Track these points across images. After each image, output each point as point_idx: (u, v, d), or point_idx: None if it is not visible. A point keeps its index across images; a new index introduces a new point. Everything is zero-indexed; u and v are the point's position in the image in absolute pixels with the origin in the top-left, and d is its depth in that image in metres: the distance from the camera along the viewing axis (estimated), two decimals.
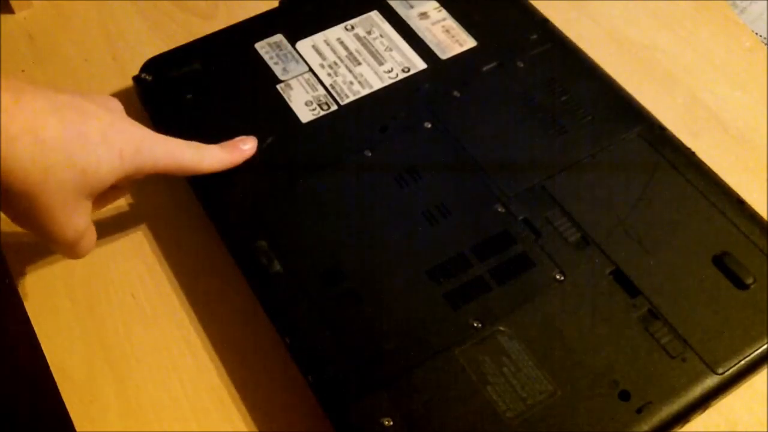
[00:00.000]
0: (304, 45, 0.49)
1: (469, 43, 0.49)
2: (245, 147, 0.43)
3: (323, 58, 0.48)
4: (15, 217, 0.35)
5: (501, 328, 0.37)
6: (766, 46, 0.55)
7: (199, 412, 0.39)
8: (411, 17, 0.51)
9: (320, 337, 0.37)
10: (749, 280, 0.39)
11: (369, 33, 0.50)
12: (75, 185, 0.34)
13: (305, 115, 0.46)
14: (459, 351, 0.37)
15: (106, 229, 0.44)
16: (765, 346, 0.37)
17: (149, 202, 0.46)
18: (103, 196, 0.37)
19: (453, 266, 0.39)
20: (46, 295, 0.42)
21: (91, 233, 0.38)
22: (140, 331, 0.41)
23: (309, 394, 0.37)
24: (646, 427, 0.35)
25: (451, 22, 0.51)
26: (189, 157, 0.39)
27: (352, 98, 0.46)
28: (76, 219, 0.35)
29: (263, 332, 0.40)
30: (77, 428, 0.38)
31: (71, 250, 0.37)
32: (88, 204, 0.36)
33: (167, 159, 0.38)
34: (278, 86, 0.47)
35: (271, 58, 0.48)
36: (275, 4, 0.52)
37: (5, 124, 0.31)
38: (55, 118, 0.33)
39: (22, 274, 0.43)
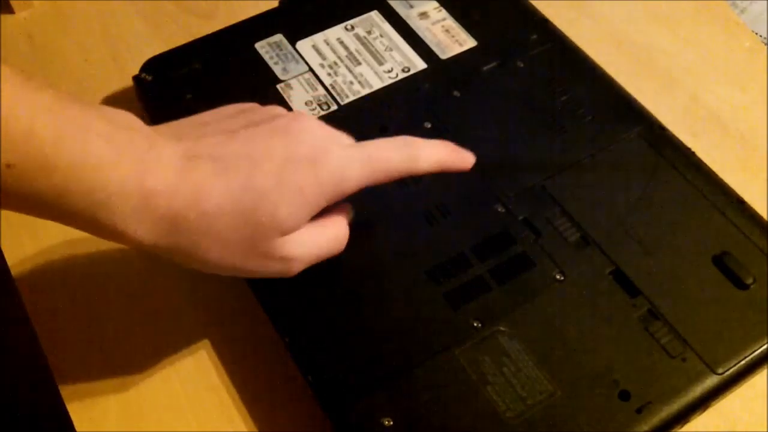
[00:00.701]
0: (304, 45, 0.49)
1: (469, 43, 0.49)
2: (468, 157, 0.38)
3: (323, 58, 0.48)
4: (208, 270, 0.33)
5: (501, 328, 0.37)
6: (766, 46, 0.55)
7: (199, 412, 0.39)
8: (411, 17, 0.51)
9: (320, 337, 0.37)
10: (749, 280, 0.39)
11: (369, 33, 0.50)
12: (254, 241, 0.32)
13: None
14: (459, 351, 0.37)
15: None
16: (765, 346, 0.37)
17: None
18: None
19: (453, 266, 0.39)
20: (46, 295, 0.42)
21: (323, 236, 0.35)
22: (140, 331, 0.41)
23: (309, 394, 0.37)
24: (646, 427, 0.35)
25: (451, 22, 0.51)
26: (398, 159, 0.35)
27: (352, 98, 0.46)
28: (274, 257, 0.33)
29: (263, 332, 0.40)
30: (77, 428, 0.38)
31: (323, 257, 0.36)
32: (283, 240, 0.33)
33: (371, 174, 0.34)
34: (278, 86, 0.47)
35: (271, 58, 0.48)
36: (275, 4, 0.52)
37: (168, 212, 0.30)
38: (221, 182, 0.31)
39: (22, 274, 0.43)
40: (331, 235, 0.36)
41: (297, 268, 0.35)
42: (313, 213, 0.34)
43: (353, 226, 0.41)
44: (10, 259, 0.43)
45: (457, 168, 0.38)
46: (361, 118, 0.45)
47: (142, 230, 0.30)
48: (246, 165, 0.32)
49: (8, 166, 0.26)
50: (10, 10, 0.55)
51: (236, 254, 0.32)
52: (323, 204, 0.34)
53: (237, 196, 0.31)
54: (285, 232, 0.33)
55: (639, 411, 0.35)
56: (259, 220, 0.32)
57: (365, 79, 0.47)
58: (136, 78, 0.47)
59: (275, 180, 0.32)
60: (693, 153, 0.44)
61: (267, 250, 0.33)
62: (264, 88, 0.47)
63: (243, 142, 0.32)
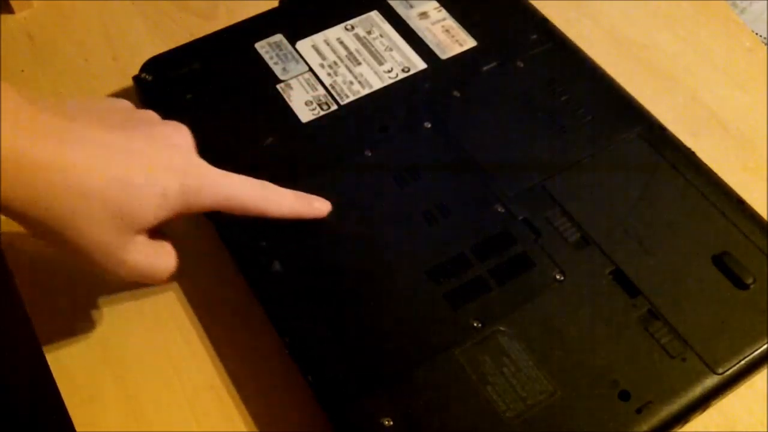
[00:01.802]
0: (304, 45, 0.49)
1: (469, 43, 0.49)
2: (318, 206, 0.41)
3: (323, 58, 0.48)
4: (56, 247, 0.35)
5: (501, 328, 0.37)
6: (766, 46, 0.55)
7: (199, 412, 0.39)
8: (411, 17, 0.51)
9: (320, 337, 0.37)
10: (749, 280, 0.39)
11: (369, 33, 0.50)
12: (115, 227, 0.34)
13: (305, 115, 0.46)
14: (459, 351, 0.37)
15: None
16: (765, 346, 0.37)
17: None
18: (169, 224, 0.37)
19: (453, 266, 0.39)
20: (46, 295, 0.42)
21: (159, 258, 0.37)
22: (140, 331, 0.41)
23: (309, 394, 0.37)
24: (646, 427, 0.35)
25: (451, 22, 0.51)
26: (252, 199, 0.38)
27: (352, 98, 0.46)
28: (125, 255, 0.35)
29: (263, 332, 0.40)
30: (77, 428, 0.38)
31: (142, 279, 0.37)
32: (139, 238, 0.35)
33: (227, 202, 0.37)
34: (278, 86, 0.47)
35: (271, 58, 0.48)
36: (275, 4, 0.52)
37: (38, 183, 0.31)
38: (98, 167, 0.33)
39: (23, 274, 0.43)
40: (162, 262, 0.37)
41: (127, 273, 0.36)
42: (167, 218, 0.36)
43: (354, 226, 0.41)
44: (10, 259, 0.43)
45: (310, 216, 0.41)
46: (361, 118, 0.45)
47: (10, 195, 0.31)
48: (124, 158, 0.34)
49: None
50: (10, 10, 0.55)
51: (91, 242, 0.34)
52: (177, 212, 0.36)
53: (110, 183, 0.33)
54: (138, 228, 0.35)
55: (639, 411, 0.35)
56: (123, 211, 0.34)
57: (365, 79, 0.47)
58: (136, 78, 0.47)
59: (146, 179, 0.34)
60: (693, 153, 0.44)
61: (118, 242, 0.34)
62: (264, 88, 0.47)
63: (125, 136, 0.35)
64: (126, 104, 0.39)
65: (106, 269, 0.35)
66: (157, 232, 0.37)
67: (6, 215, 0.32)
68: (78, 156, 0.32)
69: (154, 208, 0.35)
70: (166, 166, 0.35)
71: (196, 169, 0.37)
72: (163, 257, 0.37)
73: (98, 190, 0.33)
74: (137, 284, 0.42)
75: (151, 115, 0.39)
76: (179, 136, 0.37)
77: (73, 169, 0.32)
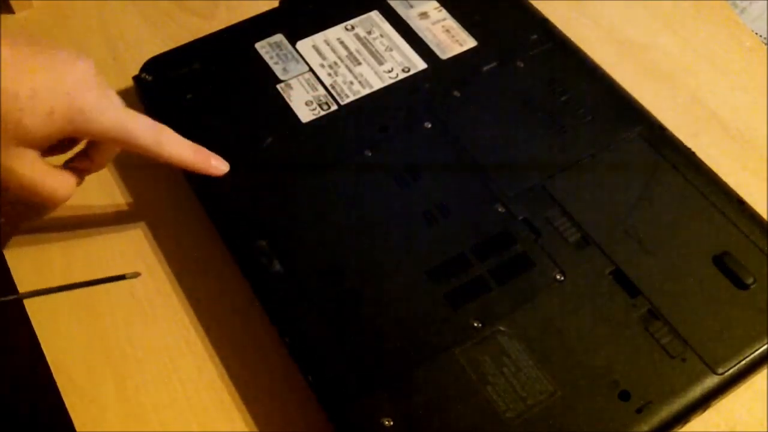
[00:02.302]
0: (304, 45, 0.49)
1: (469, 43, 0.49)
2: (215, 163, 0.42)
3: (323, 58, 0.48)
4: None
5: (501, 328, 0.37)
6: (766, 46, 0.55)
7: (199, 412, 0.39)
8: (411, 17, 0.51)
9: (320, 337, 0.37)
10: (749, 280, 0.39)
11: (369, 33, 0.50)
12: (10, 144, 0.35)
13: (305, 115, 0.46)
14: (459, 351, 0.37)
15: (106, 228, 0.44)
16: (765, 346, 0.37)
17: (149, 202, 0.46)
18: (94, 149, 0.39)
19: (453, 266, 0.39)
20: (45, 294, 0.42)
21: (49, 178, 0.38)
22: (140, 331, 0.41)
23: (309, 394, 0.37)
24: (646, 427, 0.35)
25: (451, 22, 0.51)
26: (144, 136, 0.39)
27: (352, 98, 0.46)
28: (12, 164, 0.36)
29: (263, 332, 0.40)
30: (77, 428, 0.38)
31: (31, 197, 0.37)
32: (29, 153, 0.36)
33: (118, 132, 0.38)
34: (278, 86, 0.47)
35: (271, 58, 0.48)
36: (275, 4, 0.52)
37: None
38: None
39: (22, 274, 0.43)
40: (53, 183, 0.38)
41: (35, 192, 0.37)
42: (53, 138, 0.36)
43: (354, 226, 0.41)
44: (10, 259, 0.43)
45: (202, 170, 0.42)
46: (361, 118, 0.45)
47: None
48: (16, 72, 0.34)
49: None
50: (10, 10, 0.55)
51: None
52: (67, 133, 0.36)
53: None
54: (22, 143, 0.36)
55: (639, 411, 0.35)
56: (7, 119, 0.34)
57: (365, 79, 0.47)
58: (136, 78, 0.47)
59: (31, 92, 0.35)
60: (693, 153, 0.44)
61: (7, 152, 0.35)
62: (264, 88, 0.47)
63: (27, 53, 0.35)
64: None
65: None
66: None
67: None
68: None
69: (40, 124, 0.35)
70: (56, 86, 0.35)
71: (89, 94, 0.37)
72: (55, 179, 0.38)
73: None
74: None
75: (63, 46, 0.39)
76: (81, 62, 0.38)
77: None
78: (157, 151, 0.39)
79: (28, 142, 0.36)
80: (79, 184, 0.40)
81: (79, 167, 0.40)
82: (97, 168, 0.41)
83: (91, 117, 0.37)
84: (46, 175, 0.38)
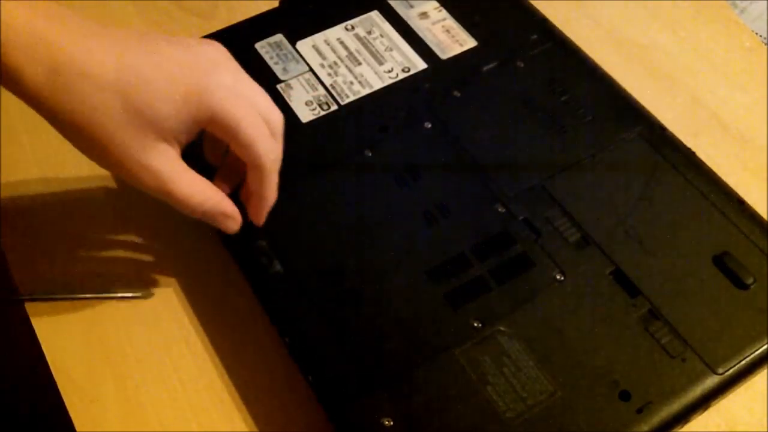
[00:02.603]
0: (304, 45, 0.49)
1: (469, 43, 0.49)
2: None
3: (323, 58, 0.48)
4: (90, 157, 0.34)
5: (501, 328, 0.37)
6: (766, 46, 0.55)
7: (199, 412, 0.39)
8: (411, 17, 0.51)
9: (320, 337, 0.37)
10: (749, 280, 0.39)
11: (369, 33, 0.50)
12: (133, 125, 0.32)
13: (305, 114, 0.46)
14: (459, 351, 0.37)
15: (106, 228, 0.44)
16: (765, 346, 0.37)
17: (149, 202, 0.46)
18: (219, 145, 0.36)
19: (453, 266, 0.39)
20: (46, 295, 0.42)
21: (190, 185, 0.35)
22: (140, 331, 0.41)
23: (309, 394, 0.37)
24: (646, 427, 0.35)
25: (451, 22, 0.51)
26: (270, 162, 0.36)
27: (352, 98, 0.46)
28: (147, 159, 0.33)
29: (263, 332, 0.40)
30: (77, 428, 0.38)
31: (167, 196, 0.35)
32: (163, 146, 0.34)
33: (231, 139, 0.35)
34: (278, 86, 0.47)
35: (271, 58, 0.48)
36: (275, 4, 0.52)
37: (51, 62, 0.31)
38: (112, 54, 0.32)
39: (22, 274, 0.43)
40: (192, 186, 0.36)
41: (152, 179, 0.34)
42: (189, 128, 0.34)
43: (354, 226, 0.41)
44: (10, 259, 0.43)
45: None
46: (361, 118, 0.45)
47: (28, 72, 0.31)
48: (143, 53, 0.33)
49: None
50: None
51: (111, 130, 0.33)
52: (203, 124, 0.34)
53: (122, 74, 0.32)
54: (160, 132, 0.33)
55: (639, 411, 0.35)
56: (138, 107, 0.32)
57: (365, 79, 0.47)
58: None
59: (165, 77, 0.33)
60: (693, 153, 0.44)
61: (139, 143, 0.33)
62: (264, 88, 0.47)
63: (153, 41, 0.34)
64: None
65: (131, 174, 0.34)
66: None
67: (37, 111, 0.32)
68: (95, 45, 0.32)
69: (174, 111, 0.33)
70: (191, 71, 0.33)
71: (226, 75, 0.34)
72: (191, 185, 0.35)
73: (113, 81, 0.32)
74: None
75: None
76: (217, 53, 0.35)
77: (89, 55, 0.31)
78: (257, 180, 0.37)
79: (163, 133, 0.33)
80: (220, 198, 0.37)
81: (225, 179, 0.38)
82: (257, 190, 0.37)
83: (226, 111, 0.34)
84: (181, 178, 0.35)
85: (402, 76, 0.48)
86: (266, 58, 0.48)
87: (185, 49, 0.34)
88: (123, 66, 0.32)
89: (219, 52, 0.35)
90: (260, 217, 0.39)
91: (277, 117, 0.37)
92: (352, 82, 0.47)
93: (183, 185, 0.35)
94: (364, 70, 0.48)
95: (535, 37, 0.50)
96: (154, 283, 0.43)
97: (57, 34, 0.31)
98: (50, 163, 0.47)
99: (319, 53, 0.49)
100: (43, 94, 0.31)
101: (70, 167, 0.47)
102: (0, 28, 0.30)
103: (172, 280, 0.43)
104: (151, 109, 0.33)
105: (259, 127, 0.35)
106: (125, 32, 0.34)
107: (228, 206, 0.37)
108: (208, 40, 0.36)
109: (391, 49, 0.49)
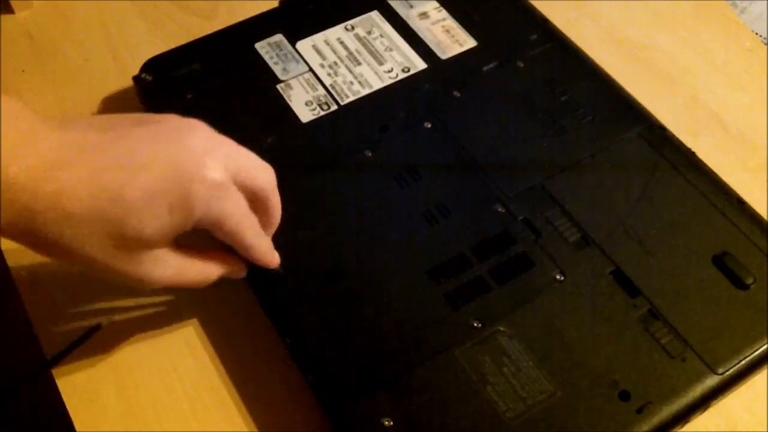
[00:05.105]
0: (304, 45, 0.49)
1: (469, 43, 0.49)
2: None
3: (323, 58, 0.48)
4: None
5: (501, 328, 0.37)
6: (766, 46, 0.55)
7: (199, 412, 0.39)
8: (411, 17, 0.51)
9: (320, 337, 0.37)
10: (749, 280, 0.39)
11: (369, 33, 0.50)
12: (116, 246, 0.31)
13: (305, 115, 0.46)
14: (459, 351, 0.37)
15: None
16: (765, 346, 0.37)
17: None
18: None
19: (453, 266, 0.39)
20: (46, 295, 0.42)
21: (185, 271, 0.34)
22: (140, 331, 0.41)
23: (309, 394, 0.37)
24: (646, 427, 0.35)
25: (451, 22, 0.51)
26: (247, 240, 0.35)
27: (352, 98, 0.46)
28: (140, 271, 0.32)
29: (263, 332, 0.40)
30: (77, 428, 0.38)
31: (172, 287, 0.35)
32: (156, 253, 0.33)
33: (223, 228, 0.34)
34: (278, 86, 0.47)
35: (271, 58, 0.48)
36: (275, 4, 0.52)
37: (27, 207, 0.29)
38: (86, 187, 0.29)
39: (22, 274, 0.43)
40: (194, 272, 0.35)
41: (155, 283, 0.34)
42: (180, 232, 0.33)
43: (353, 226, 0.41)
44: (10, 260, 0.43)
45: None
46: (361, 118, 0.45)
47: (5, 216, 0.29)
48: (120, 176, 0.30)
49: None
50: (10, 10, 0.55)
51: (99, 256, 0.31)
52: (190, 226, 0.33)
53: (103, 205, 0.30)
54: (147, 245, 0.32)
55: (639, 411, 0.35)
56: (124, 232, 0.31)
57: (365, 79, 0.47)
58: (136, 78, 0.47)
59: (147, 196, 0.30)
60: (693, 153, 0.44)
61: (128, 260, 0.32)
62: (264, 88, 0.47)
63: (127, 145, 0.31)
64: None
65: (130, 283, 0.33)
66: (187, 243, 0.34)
67: (9, 238, 0.30)
68: (64, 177, 0.29)
69: (158, 227, 0.31)
70: (175, 173, 0.31)
71: (217, 186, 0.32)
72: (191, 269, 0.35)
73: (90, 211, 0.30)
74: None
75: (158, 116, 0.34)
76: (191, 135, 0.32)
77: (60, 195, 0.29)
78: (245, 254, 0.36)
79: (155, 244, 0.32)
80: (214, 268, 0.36)
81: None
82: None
83: (221, 215, 0.33)
84: (182, 270, 0.34)
85: (402, 76, 0.48)
86: (266, 58, 0.48)
87: (163, 143, 0.31)
88: (98, 190, 0.30)
89: (198, 138, 0.32)
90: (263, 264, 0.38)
91: (263, 180, 0.35)
92: (352, 82, 0.47)
93: (184, 281, 0.35)
94: (364, 70, 0.48)
95: (535, 37, 0.50)
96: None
97: (29, 180, 0.29)
98: None
99: (319, 53, 0.49)
100: (17, 232, 0.30)
101: None
102: None
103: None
104: (134, 230, 0.31)
105: (244, 222, 0.35)
106: (94, 135, 0.31)
107: (220, 270, 0.37)
108: (184, 122, 0.33)
109: (391, 49, 0.49)
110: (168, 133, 0.32)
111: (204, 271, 0.36)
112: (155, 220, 0.31)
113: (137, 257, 0.32)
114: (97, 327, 0.33)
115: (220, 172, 0.32)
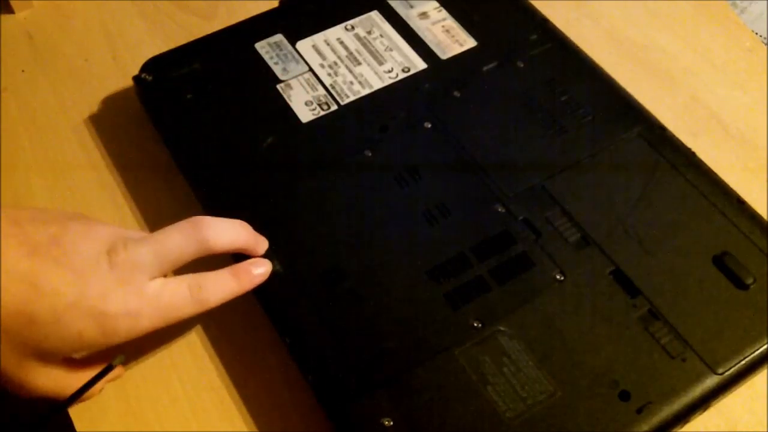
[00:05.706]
0: (304, 45, 0.49)
1: (469, 43, 0.49)
2: (257, 271, 0.38)
3: (323, 58, 0.48)
4: None
5: (501, 328, 0.37)
6: (766, 46, 0.55)
7: (199, 412, 0.39)
8: (411, 17, 0.51)
9: (320, 337, 0.37)
10: (749, 280, 0.39)
11: (369, 33, 0.50)
12: (17, 356, 0.32)
13: (305, 115, 0.46)
14: (459, 351, 0.37)
15: None
16: (765, 346, 0.37)
17: (148, 202, 0.46)
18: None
19: (453, 266, 0.39)
20: None
21: (63, 382, 0.34)
22: None
23: (309, 394, 0.37)
24: (646, 427, 0.35)
25: (451, 22, 0.51)
26: (190, 309, 0.35)
27: (352, 98, 0.46)
28: (27, 379, 0.33)
29: (263, 332, 0.40)
30: (77, 428, 0.38)
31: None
32: (48, 366, 0.33)
33: (159, 323, 0.34)
34: (278, 86, 0.47)
35: (271, 58, 0.48)
36: (275, 4, 0.52)
37: None
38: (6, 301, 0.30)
39: None
40: (64, 386, 0.35)
41: (34, 393, 0.34)
42: (87, 354, 0.34)
43: (354, 226, 0.41)
44: None
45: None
46: (361, 118, 0.46)
47: None
48: (29, 291, 0.30)
49: None
50: (10, 10, 0.55)
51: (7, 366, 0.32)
52: (101, 347, 0.33)
53: (11, 321, 0.30)
54: (44, 360, 0.33)
55: (639, 411, 0.35)
56: (28, 346, 0.31)
57: (365, 79, 0.47)
58: (136, 78, 0.47)
59: (54, 318, 0.31)
60: (693, 153, 0.44)
61: (21, 368, 0.32)
62: (264, 88, 0.47)
63: (44, 260, 0.31)
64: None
65: (6, 386, 0.33)
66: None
67: None
68: None
69: (69, 348, 0.32)
70: (82, 306, 0.31)
71: (123, 307, 0.32)
72: (66, 380, 0.35)
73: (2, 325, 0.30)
74: None
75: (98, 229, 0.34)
76: (89, 244, 0.32)
77: None
78: (206, 308, 0.36)
79: (50, 359, 0.33)
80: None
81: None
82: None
83: (134, 327, 0.33)
84: (60, 382, 0.34)
85: (402, 76, 0.48)
86: (266, 58, 0.48)
87: (69, 273, 0.31)
88: (10, 314, 0.30)
89: (93, 243, 0.33)
90: (260, 245, 0.39)
91: (192, 252, 0.35)
92: (352, 82, 0.47)
93: (58, 392, 0.35)
94: (364, 70, 0.48)
95: (535, 37, 0.50)
96: None
97: None
98: (50, 165, 0.47)
99: (319, 53, 0.49)
100: None
101: (71, 169, 0.47)
102: None
103: None
104: (42, 348, 0.31)
105: (163, 320, 0.34)
106: (26, 258, 0.31)
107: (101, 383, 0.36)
108: (98, 225, 0.34)
109: (391, 49, 0.49)
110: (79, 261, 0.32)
111: (81, 382, 0.35)
112: (63, 341, 0.32)
113: (27, 368, 0.32)
114: (109, 367, 0.34)
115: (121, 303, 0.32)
